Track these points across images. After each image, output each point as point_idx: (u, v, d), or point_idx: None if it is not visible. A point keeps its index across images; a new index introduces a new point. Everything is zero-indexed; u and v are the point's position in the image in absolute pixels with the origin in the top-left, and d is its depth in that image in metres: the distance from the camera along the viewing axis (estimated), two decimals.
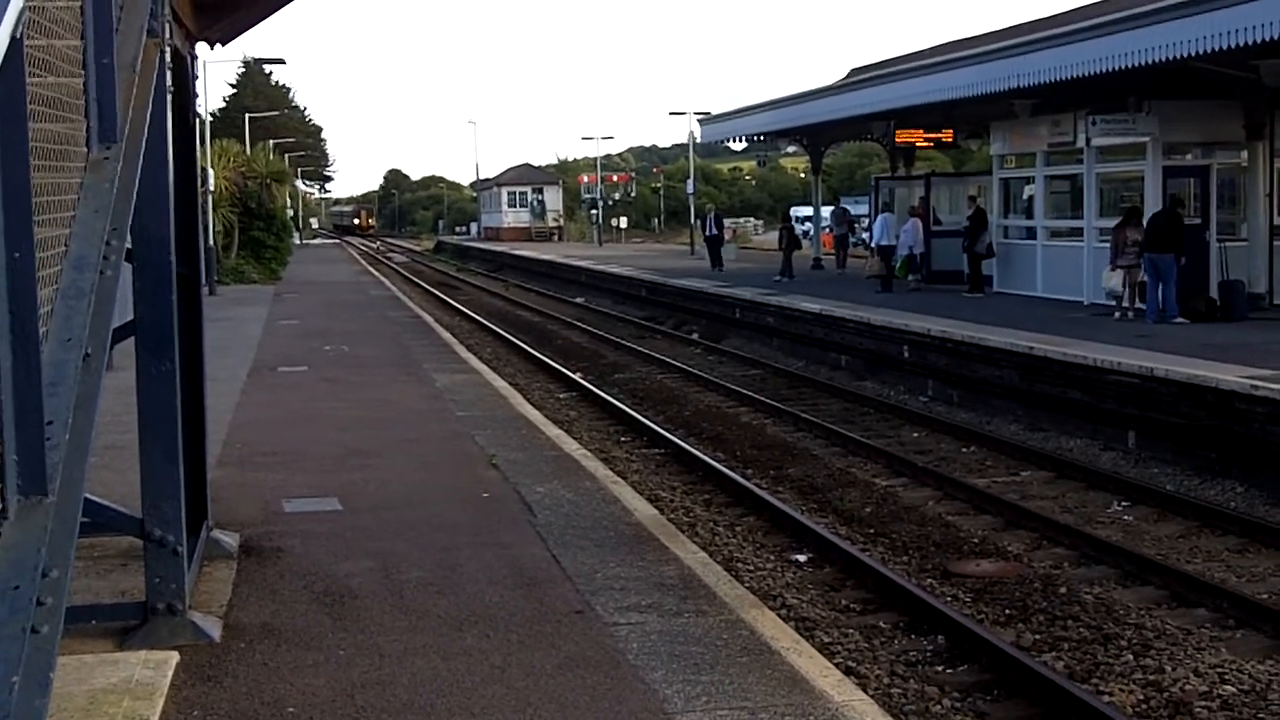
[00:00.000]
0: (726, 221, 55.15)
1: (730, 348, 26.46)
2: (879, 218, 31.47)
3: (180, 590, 7.16)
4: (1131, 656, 8.57)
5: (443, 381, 18.27)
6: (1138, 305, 21.17)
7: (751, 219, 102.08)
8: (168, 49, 7.25)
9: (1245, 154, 21.93)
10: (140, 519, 7.18)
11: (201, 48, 9.85)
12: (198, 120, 10.90)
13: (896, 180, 35.50)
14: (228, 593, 8.06)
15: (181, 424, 7.35)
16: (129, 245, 6.45)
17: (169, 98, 7.54)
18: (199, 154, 10.81)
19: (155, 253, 7.21)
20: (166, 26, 7.14)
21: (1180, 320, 20.14)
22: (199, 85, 9.92)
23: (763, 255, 49.72)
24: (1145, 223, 20.92)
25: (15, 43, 3.51)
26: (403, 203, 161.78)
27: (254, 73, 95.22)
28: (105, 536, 8.40)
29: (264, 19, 9.94)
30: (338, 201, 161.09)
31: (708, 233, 43.74)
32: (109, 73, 5.37)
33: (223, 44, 10.42)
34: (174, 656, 6.76)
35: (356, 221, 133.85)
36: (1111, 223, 22.22)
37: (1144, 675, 8.24)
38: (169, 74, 7.47)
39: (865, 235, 40.38)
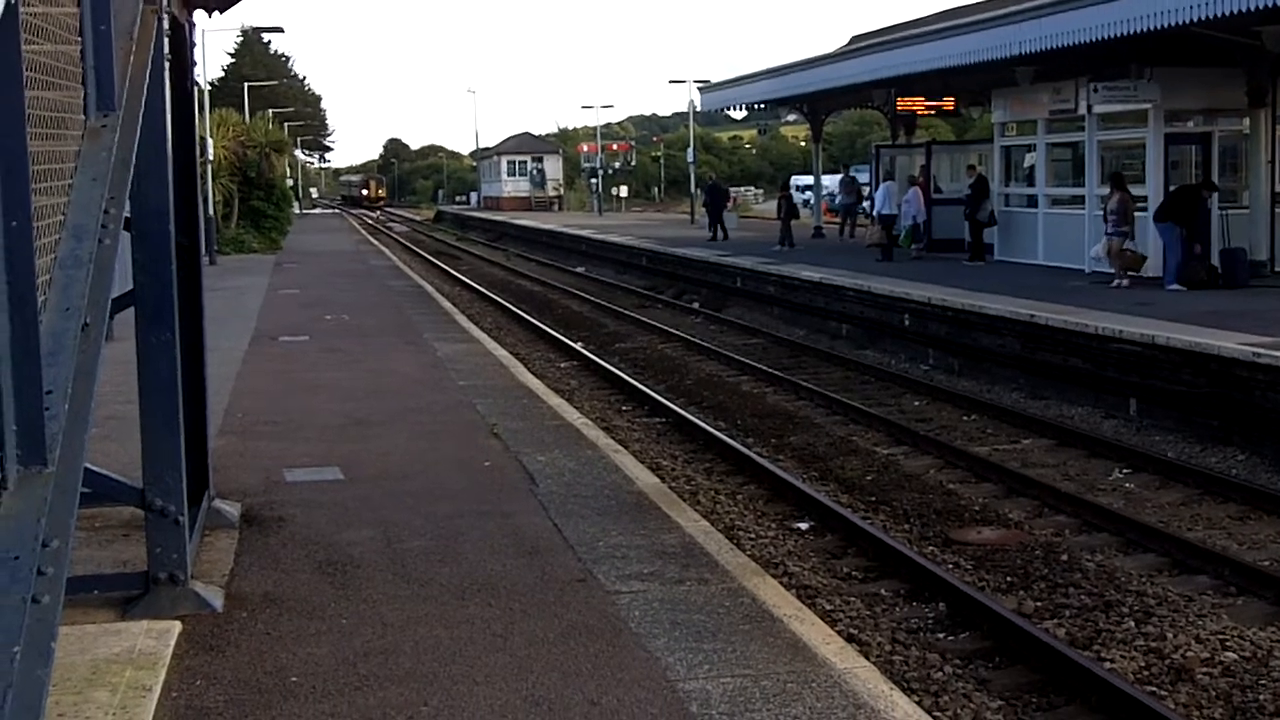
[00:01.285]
0: (732, 191, 55.05)
1: (731, 317, 26.43)
2: (881, 186, 31.38)
3: (182, 560, 7.17)
4: (1133, 624, 8.58)
5: (444, 351, 18.25)
6: (1130, 274, 21.12)
7: (752, 188, 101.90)
8: (165, 16, 7.20)
9: (1247, 121, 21.84)
10: (141, 489, 7.18)
11: (200, 16, 9.78)
12: (196, 89, 10.84)
13: (897, 149, 35.40)
14: (230, 562, 8.06)
15: (182, 394, 7.34)
16: (128, 214, 6.43)
17: (167, 65, 7.50)
18: (198, 123, 10.76)
19: (155, 222, 7.18)
20: None
21: (1176, 288, 20.10)
22: (197, 54, 9.85)
23: (763, 224, 49.60)
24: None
25: (10, 8, 3.48)
26: (402, 172, 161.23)
27: (252, 42, 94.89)
28: (106, 507, 8.40)
29: None
30: (339, 172, 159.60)
31: (705, 201, 43.77)
32: (106, 40, 5.33)
33: (220, 11, 10.34)
34: (176, 626, 6.77)
35: (365, 192, 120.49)
36: None
37: (1145, 642, 8.26)
38: (167, 42, 7.43)
39: (866, 204, 40.26)
